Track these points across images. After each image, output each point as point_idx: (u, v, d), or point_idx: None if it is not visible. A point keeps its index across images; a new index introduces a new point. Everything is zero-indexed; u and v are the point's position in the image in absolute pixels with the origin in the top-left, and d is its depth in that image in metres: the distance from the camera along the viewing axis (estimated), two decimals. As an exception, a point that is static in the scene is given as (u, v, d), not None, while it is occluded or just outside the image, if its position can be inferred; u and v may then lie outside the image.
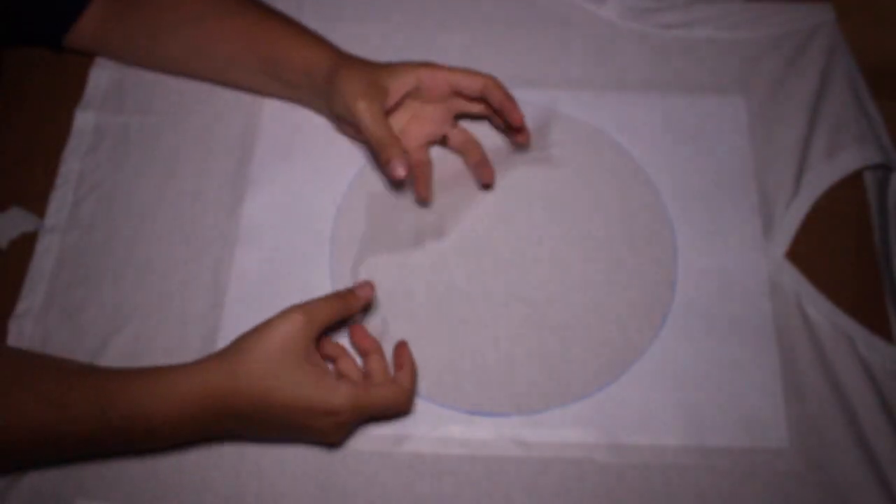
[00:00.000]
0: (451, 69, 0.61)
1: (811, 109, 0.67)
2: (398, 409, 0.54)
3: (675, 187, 0.64)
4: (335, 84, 0.60)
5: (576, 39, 0.71)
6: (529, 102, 0.67)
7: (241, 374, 0.50)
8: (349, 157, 0.65)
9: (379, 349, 0.56)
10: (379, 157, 0.58)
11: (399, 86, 0.61)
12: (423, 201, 0.63)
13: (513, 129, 0.63)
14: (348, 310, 0.54)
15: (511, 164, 0.65)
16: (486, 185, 0.64)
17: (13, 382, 0.50)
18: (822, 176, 0.64)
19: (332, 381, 0.51)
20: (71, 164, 0.65)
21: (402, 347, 0.56)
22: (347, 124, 0.63)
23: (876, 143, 0.65)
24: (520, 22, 0.71)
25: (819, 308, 0.59)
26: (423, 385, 0.57)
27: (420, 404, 0.57)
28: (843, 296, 0.60)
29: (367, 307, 0.58)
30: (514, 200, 0.64)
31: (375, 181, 0.65)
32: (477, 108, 0.64)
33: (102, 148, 0.66)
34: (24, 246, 0.62)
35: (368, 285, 0.56)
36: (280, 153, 0.66)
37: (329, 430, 0.52)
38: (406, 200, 0.64)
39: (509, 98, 0.61)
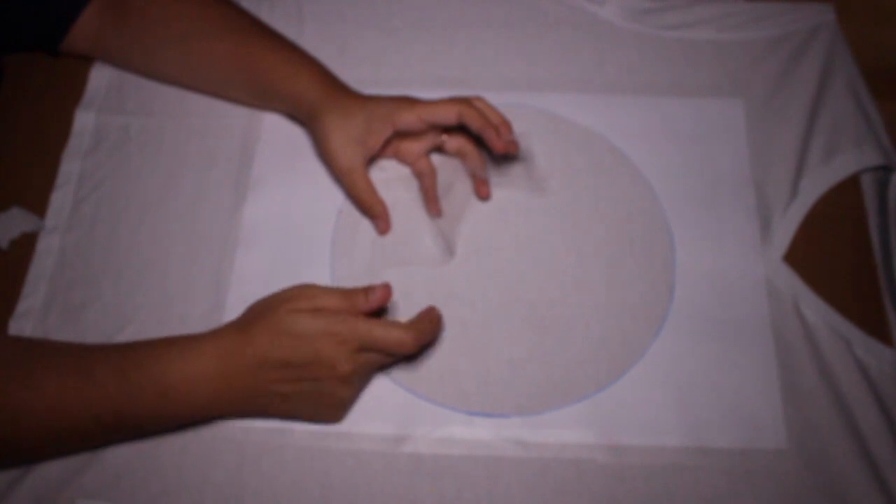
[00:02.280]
0: (424, 106, 0.60)
1: (810, 112, 0.67)
2: (400, 342, 0.53)
3: (673, 190, 0.64)
4: (318, 133, 0.62)
5: (576, 41, 0.71)
6: (529, 105, 0.68)
7: (251, 330, 0.52)
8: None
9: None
10: (367, 215, 0.63)
11: (377, 138, 0.61)
12: (436, 216, 0.63)
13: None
14: (352, 309, 0.53)
15: (511, 167, 0.65)
16: (483, 199, 0.64)
17: (36, 363, 0.51)
18: (820, 179, 0.64)
19: (333, 312, 0.52)
20: (71, 165, 0.66)
21: (430, 309, 0.56)
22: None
23: (875, 144, 0.65)
24: (520, 24, 0.72)
25: (816, 311, 0.60)
26: (423, 386, 0.58)
27: (420, 404, 0.57)
28: (840, 299, 0.60)
29: (381, 311, 0.57)
30: (513, 203, 0.64)
31: (376, 182, 0.64)
32: (454, 143, 0.63)
33: (103, 148, 0.66)
34: (25, 246, 0.62)
35: (384, 290, 0.54)
36: (282, 155, 0.66)
37: (338, 357, 0.51)
38: (407, 202, 0.64)
39: (488, 124, 0.59)
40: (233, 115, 0.68)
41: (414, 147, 0.63)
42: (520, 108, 0.68)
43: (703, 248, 0.62)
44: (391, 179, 0.65)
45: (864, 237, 0.63)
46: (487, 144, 0.59)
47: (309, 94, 0.62)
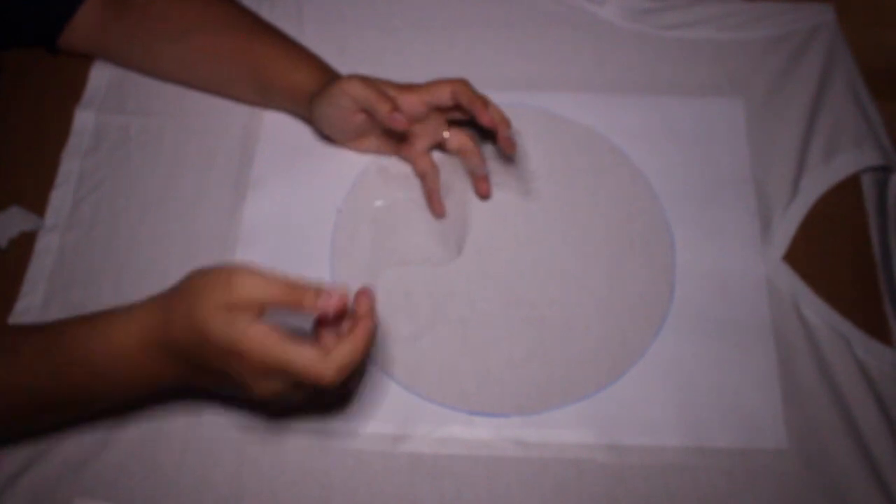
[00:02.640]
0: (420, 88, 0.60)
1: (810, 111, 0.67)
2: (316, 377, 0.45)
3: (673, 190, 0.64)
4: (320, 102, 0.61)
5: (576, 41, 0.71)
6: (529, 105, 0.68)
7: (172, 309, 0.47)
8: (351, 160, 0.65)
9: (341, 320, 0.49)
10: (378, 115, 0.59)
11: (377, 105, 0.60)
12: (440, 216, 0.63)
13: (493, 135, 0.61)
14: (294, 305, 0.47)
15: (511, 167, 0.65)
16: (483, 198, 0.64)
17: None
18: (820, 179, 0.64)
19: (245, 325, 0.45)
20: (71, 164, 0.65)
21: (363, 320, 0.48)
22: (339, 132, 0.64)
23: (875, 144, 0.65)
24: (520, 23, 0.72)
25: (816, 310, 0.60)
26: (423, 385, 0.58)
27: (420, 404, 0.57)
28: (840, 298, 0.60)
29: (339, 316, 0.49)
30: (513, 203, 0.64)
31: (376, 183, 0.65)
32: (455, 140, 0.63)
33: (102, 148, 0.66)
34: (24, 245, 0.62)
35: (339, 301, 0.47)
36: (281, 155, 0.66)
37: (245, 375, 0.46)
38: (407, 202, 0.64)
39: (477, 99, 0.58)
40: (233, 115, 0.68)
41: (416, 144, 0.63)
42: (520, 107, 0.68)
43: (704, 248, 0.62)
44: (391, 179, 0.65)
45: (864, 237, 0.63)
46: (476, 119, 0.59)
47: (307, 85, 0.62)
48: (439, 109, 0.61)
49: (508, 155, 0.64)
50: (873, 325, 0.59)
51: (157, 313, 0.47)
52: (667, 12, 0.72)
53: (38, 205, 0.64)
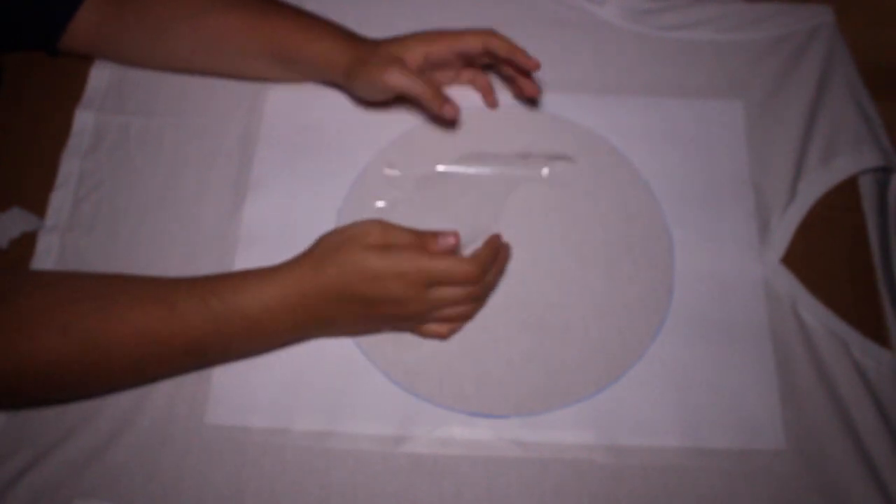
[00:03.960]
0: (451, 35, 0.63)
1: (809, 113, 0.67)
2: (464, 274, 0.54)
3: (672, 191, 0.65)
4: (357, 81, 0.63)
5: (575, 42, 0.71)
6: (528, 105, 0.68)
7: (323, 265, 0.53)
8: (351, 160, 0.66)
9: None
10: (431, 108, 0.63)
11: (411, 61, 0.63)
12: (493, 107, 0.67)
13: (523, 77, 0.65)
14: (421, 247, 0.54)
15: (511, 167, 0.65)
16: (533, 97, 0.66)
17: (119, 296, 0.53)
18: (819, 181, 0.65)
19: (401, 252, 0.53)
20: (71, 165, 0.65)
21: (494, 238, 0.57)
22: (376, 101, 0.66)
23: (875, 145, 0.65)
24: (519, 24, 0.71)
25: (814, 312, 0.60)
26: (423, 386, 0.58)
27: (420, 405, 0.57)
28: (838, 301, 0.60)
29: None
30: (512, 204, 0.64)
31: (376, 184, 0.65)
32: (468, 73, 0.68)
33: (103, 148, 0.66)
34: (25, 245, 0.62)
35: (454, 238, 0.55)
36: (281, 155, 0.66)
37: (406, 292, 0.53)
38: (407, 203, 0.64)
39: (514, 46, 0.62)
40: (233, 115, 0.68)
41: (437, 78, 0.66)
42: (520, 107, 0.68)
43: (702, 250, 0.62)
44: (392, 180, 0.65)
45: (862, 239, 0.63)
46: (519, 65, 0.62)
47: (333, 55, 0.63)
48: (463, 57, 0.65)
49: (532, 99, 0.67)
50: (871, 328, 0.60)
51: (307, 267, 0.54)
52: (666, 13, 0.72)
53: (38, 205, 0.64)
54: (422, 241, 0.54)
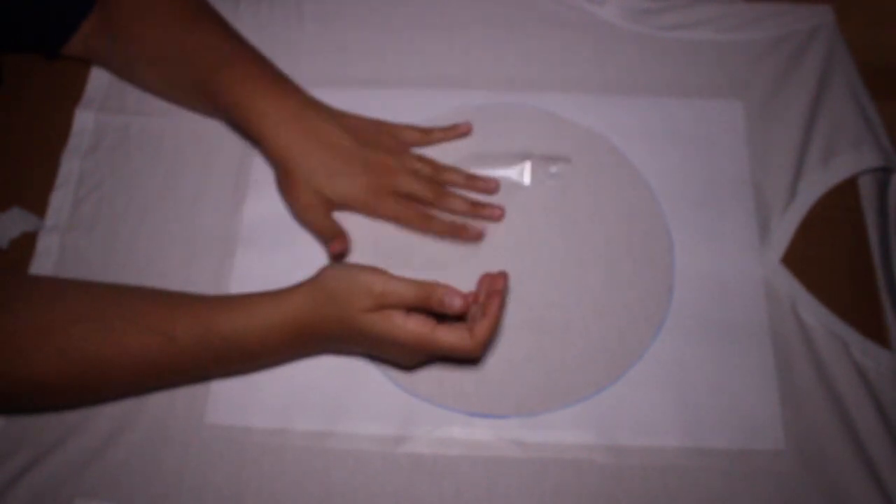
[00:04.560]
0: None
1: (809, 113, 0.67)
2: (465, 354, 0.53)
3: (672, 191, 0.65)
4: (283, 189, 0.62)
5: (575, 41, 0.71)
6: (529, 105, 0.68)
7: (321, 310, 0.52)
8: (350, 160, 0.66)
9: (473, 298, 0.54)
10: (321, 243, 0.62)
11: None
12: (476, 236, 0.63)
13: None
14: (426, 305, 0.52)
15: (510, 167, 0.65)
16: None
17: (115, 318, 0.52)
18: (819, 181, 0.64)
19: (402, 321, 0.52)
20: (71, 164, 0.65)
21: (493, 297, 0.53)
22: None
23: (875, 145, 0.65)
24: (519, 23, 0.72)
25: (814, 313, 0.60)
26: (423, 386, 0.58)
27: (420, 405, 0.57)
28: (838, 301, 0.60)
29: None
30: (513, 204, 0.64)
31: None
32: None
33: (103, 148, 0.66)
34: (25, 246, 0.62)
35: (463, 302, 0.52)
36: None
37: (401, 357, 0.55)
38: (406, 203, 0.64)
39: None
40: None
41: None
42: (520, 108, 0.68)
43: (702, 250, 0.62)
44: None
45: (862, 239, 0.63)
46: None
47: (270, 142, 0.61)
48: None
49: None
50: (871, 328, 0.60)
51: (307, 310, 0.53)
52: (666, 13, 0.72)
53: (38, 205, 0.64)
54: (426, 298, 0.52)
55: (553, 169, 0.65)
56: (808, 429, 0.56)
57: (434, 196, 0.62)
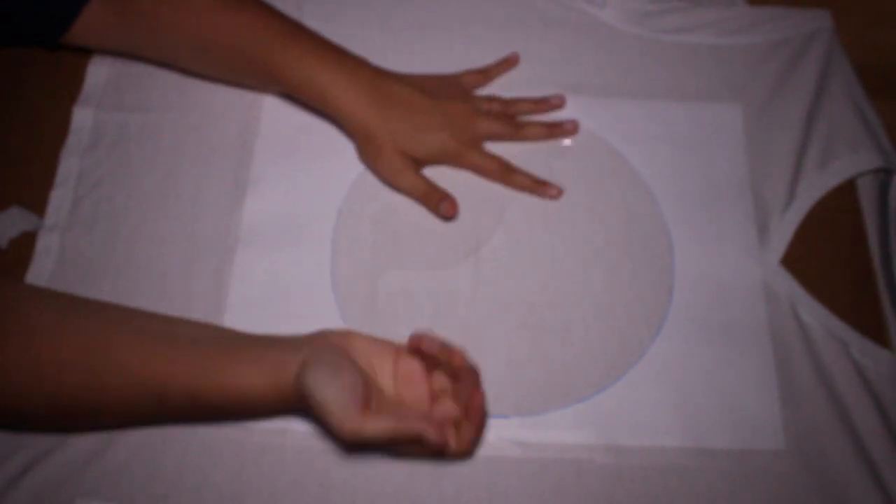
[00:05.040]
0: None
1: (808, 116, 0.67)
2: (453, 455, 0.48)
3: (671, 193, 0.65)
4: (369, 158, 0.64)
5: (575, 44, 0.71)
6: (529, 106, 0.68)
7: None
8: (351, 159, 0.65)
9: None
10: (427, 205, 0.63)
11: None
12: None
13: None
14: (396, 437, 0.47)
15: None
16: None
17: (107, 366, 0.50)
18: (817, 183, 0.65)
19: (384, 422, 0.46)
20: (70, 163, 0.65)
21: (475, 405, 0.49)
22: None
23: (875, 147, 0.66)
24: (519, 25, 0.71)
25: (813, 313, 0.60)
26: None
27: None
28: (837, 302, 0.61)
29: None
30: (513, 205, 0.64)
31: (377, 183, 0.65)
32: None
33: (101, 145, 0.66)
34: (25, 245, 0.62)
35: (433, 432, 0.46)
36: (281, 153, 0.66)
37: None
38: (406, 203, 0.64)
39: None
40: (232, 112, 0.67)
41: None
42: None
43: (701, 252, 0.63)
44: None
45: (861, 240, 0.64)
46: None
47: (356, 109, 0.62)
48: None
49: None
50: (870, 328, 0.60)
51: (288, 377, 0.48)
52: (666, 16, 0.72)
53: (38, 204, 0.63)
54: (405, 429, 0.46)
55: (566, 141, 0.66)
56: (808, 429, 0.57)
57: (513, 130, 0.65)
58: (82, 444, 0.55)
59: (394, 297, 0.61)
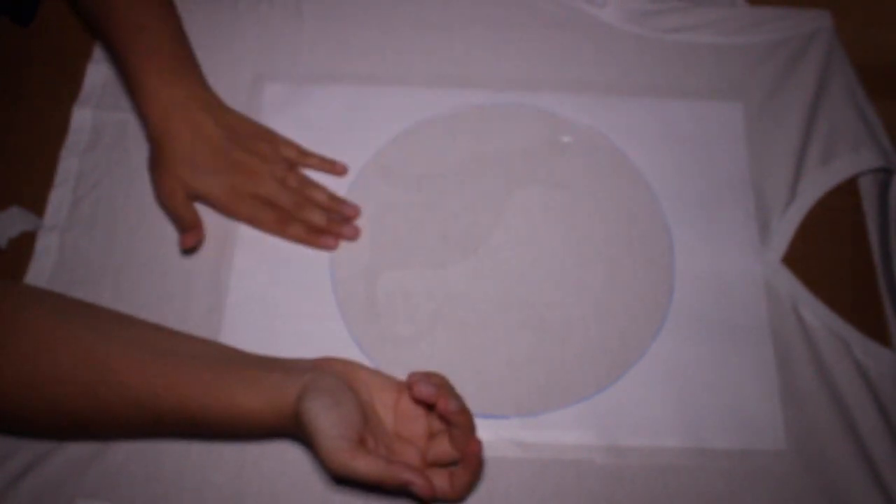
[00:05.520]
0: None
1: (808, 115, 0.67)
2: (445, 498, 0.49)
3: (672, 192, 0.65)
4: (150, 167, 0.62)
5: (576, 42, 0.71)
6: (529, 105, 0.68)
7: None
8: (351, 158, 0.66)
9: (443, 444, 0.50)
10: (177, 228, 0.61)
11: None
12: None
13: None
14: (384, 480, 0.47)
15: (510, 168, 0.65)
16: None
17: (103, 380, 0.49)
18: (818, 182, 0.65)
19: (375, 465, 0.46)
20: (69, 163, 0.65)
21: (470, 452, 0.48)
22: None
23: (875, 146, 0.65)
24: (520, 24, 0.71)
25: (814, 312, 0.60)
26: (423, 386, 0.58)
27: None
28: (839, 300, 0.60)
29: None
30: (513, 205, 0.64)
31: (376, 184, 0.65)
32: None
33: (101, 145, 0.66)
34: (24, 245, 0.62)
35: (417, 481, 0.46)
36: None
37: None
38: (407, 203, 0.64)
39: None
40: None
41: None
42: (520, 108, 0.68)
43: (702, 250, 0.62)
44: (392, 180, 0.65)
45: (862, 239, 0.64)
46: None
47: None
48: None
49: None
50: (871, 327, 0.60)
51: (288, 401, 0.48)
52: (667, 15, 0.72)
53: (37, 204, 0.63)
54: (384, 474, 0.46)
55: (565, 138, 0.65)
56: (809, 429, 0.56)
57: (294, 205, 0.62)
58: (82, 444, 0.55)
59: (394, 296, 0.61)
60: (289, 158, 0.64)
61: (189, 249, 0.61)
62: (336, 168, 0.65)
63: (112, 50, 0.62)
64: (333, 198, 0.64)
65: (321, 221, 0.62)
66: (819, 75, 0.69)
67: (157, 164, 0.61)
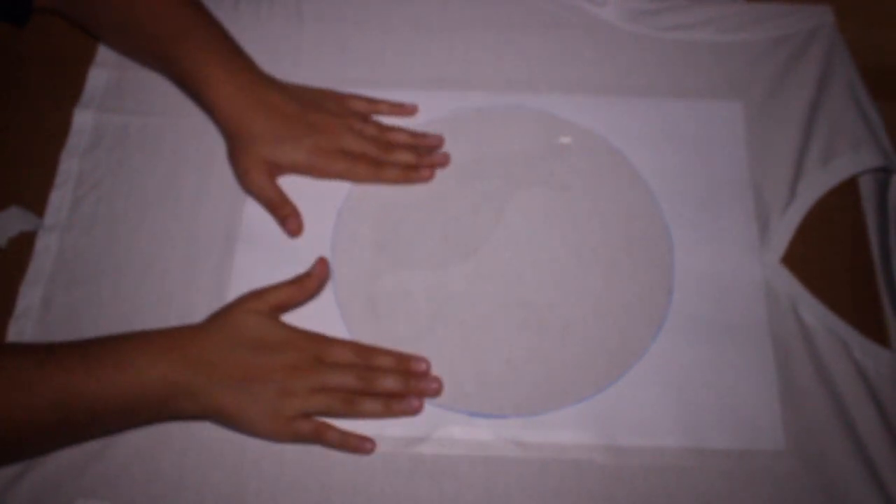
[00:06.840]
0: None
1: (809, 114, 0.67)
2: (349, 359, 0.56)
3: (672, 192, 0.65)
4: (231, 157, 0.64)
5: (575, 42, 0.71)
6: (528, 106, 0.68)
7: (195, 330, 0.55)
8: (350, 159, 0.66)
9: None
10: (274, 215, 0.63)
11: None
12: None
13: None
14: (305, 293, 0.58)
15: (510, 168, 0.65)
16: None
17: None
18: (818, 182, 0.64)
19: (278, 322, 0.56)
20: (70, 164, 0.65)
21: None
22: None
23: (875, 146, 0.65)
24: (520, 24, 0.72)
25: (814, 313, 0.60)
26: (423, 386, 0.58)
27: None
28: (838, 301, 0.60)
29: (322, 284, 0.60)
30: (513, 205, 0.64)
31: (376, 184, 0.65)
32: None
33: (102, 147, 0.66)
34: (24, 245, 0.62)
35: (321, 262, 0.58)
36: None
37: (280, 370, 0.54)
38: (407, 203, 0.64)
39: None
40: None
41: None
42: (520, 108, 0.68)
43: (702, 250, 0.62)
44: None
45: (862, 239, 0.64)
46: None
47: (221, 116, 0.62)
48: None
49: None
50: (871, 328, 0.60)
51: (176, 367, 0.52)
52: (666, 14, 0.72)
53: (37, 204, 0.64)
54: (300, 288, 0.58)
55: (565, 139, 0.65)
56: (809, 429, 0.56)
57: (380, 151, 0.64)
58: (83, 444, 0.55)
59: (394, 297, 0.61)
60: (359, 111, 0.66)
61: (295, 234, 0.63)
62: (406, 109, 0.67)
63: (159, 55, 0.63)
64: (414, 134, 0.66)
65: (411, 159, 0.64)
66: (820, 73, 0.69)
67: (238, 152, 0.62)
